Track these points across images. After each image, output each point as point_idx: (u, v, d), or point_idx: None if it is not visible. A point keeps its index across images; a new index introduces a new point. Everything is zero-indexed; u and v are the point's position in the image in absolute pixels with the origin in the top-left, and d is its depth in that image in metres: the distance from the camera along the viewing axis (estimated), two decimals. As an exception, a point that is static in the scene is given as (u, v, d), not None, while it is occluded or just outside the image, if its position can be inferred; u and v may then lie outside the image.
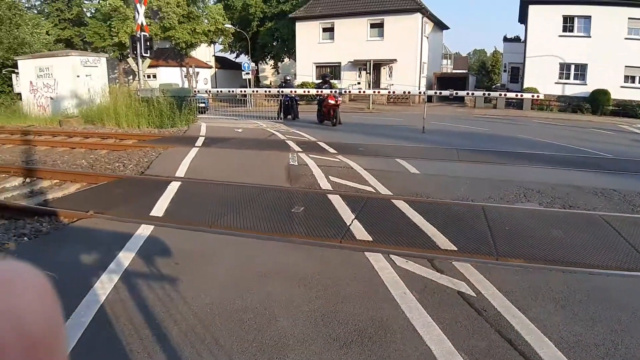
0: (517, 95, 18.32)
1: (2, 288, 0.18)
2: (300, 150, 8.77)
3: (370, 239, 4.03)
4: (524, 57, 25.60)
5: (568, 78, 24.75)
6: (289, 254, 3.70)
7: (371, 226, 4.33)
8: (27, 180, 6.74)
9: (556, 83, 24.66)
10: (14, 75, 16.32)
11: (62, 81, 15.25)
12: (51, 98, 15.47)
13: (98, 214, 4.69)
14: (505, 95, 17.83)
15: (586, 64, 23.91)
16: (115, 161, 7.97)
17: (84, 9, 35.99)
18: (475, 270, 3.40)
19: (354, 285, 3.16)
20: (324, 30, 31.94)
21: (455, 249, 3.84)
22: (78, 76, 15.30)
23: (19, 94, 16.29)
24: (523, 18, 27.35)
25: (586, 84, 23.76)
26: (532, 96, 18.47)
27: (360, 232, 4.19)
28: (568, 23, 24.27)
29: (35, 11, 34.04)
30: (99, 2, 34.06)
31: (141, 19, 14.94)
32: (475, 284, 3.17)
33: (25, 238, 4.13)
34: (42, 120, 14.85)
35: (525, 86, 24.75)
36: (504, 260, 3.64)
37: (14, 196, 5.92)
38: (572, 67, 24.52)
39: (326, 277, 3.26)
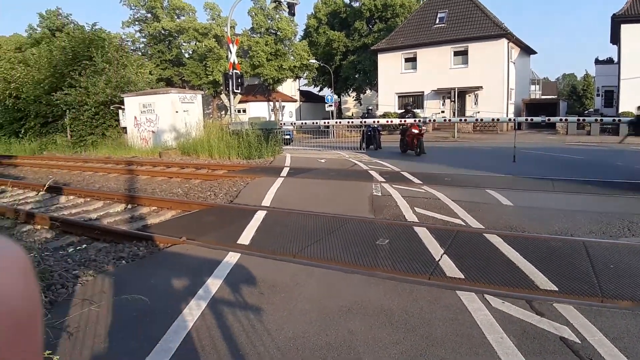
0: (614, 120, 16.67)
1: None
2: (384, 180, 8.62)
3: (462, 276, 3.74)
4: (619, 79, 23.49)
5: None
6: (374, 289, 3.54)
7: (462, 262, 4.04)
8: (129, 206, 7.34)
9: (656, 106, 22.20)
10: (120, 111, 18.20)
11: (163, 116, 16.77)
12: (153, 132, 17.04)
13: (190, 240, 4.93)
14: (601, 120, 16.32)
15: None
16: (207, 190, 8.44)
17: (183, 51, 39.78)
18: (578, 313, 3.00)
19: (445, 327, 2.91)
20: (406, 60, 31.95)
21: (556, 289, 3.42)
22: (177, 112, 16.73)
23: (125, 127, 18.11)
24: (615, 38, 25.22)
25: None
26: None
27: (450, 268, 3.92)
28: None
29: (140, 53, 38.27)
30: (195, 44, 37.54)
31: (233, 58, 16.09)
32: (580, 329, 2.79)
33: (124, 261, 4.42)
34: (144, 152, 16.38)
35: (620, 110, 22.65)
36: (610, 302, 3.18)
37: (116, 221, 6.47)
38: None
39: (414, 317, 3.05)
